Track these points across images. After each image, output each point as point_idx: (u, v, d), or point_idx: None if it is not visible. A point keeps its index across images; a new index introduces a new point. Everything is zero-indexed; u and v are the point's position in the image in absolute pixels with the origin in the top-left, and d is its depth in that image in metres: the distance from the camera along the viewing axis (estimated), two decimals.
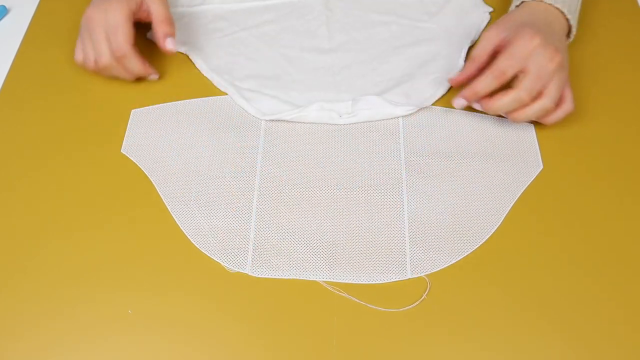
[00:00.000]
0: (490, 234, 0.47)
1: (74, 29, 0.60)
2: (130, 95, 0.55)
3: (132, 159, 0.51)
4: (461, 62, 0.57)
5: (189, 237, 0.47)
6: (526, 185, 0.49)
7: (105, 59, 0.52)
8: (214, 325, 0.43)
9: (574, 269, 0.45)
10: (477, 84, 0.50)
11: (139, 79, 0.56)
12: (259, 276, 0.45)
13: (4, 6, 0.63)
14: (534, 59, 0.47)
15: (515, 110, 0.49)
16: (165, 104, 0.55)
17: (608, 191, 0.49)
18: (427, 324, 0.43)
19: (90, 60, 0.52)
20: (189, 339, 0.42)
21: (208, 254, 0.46)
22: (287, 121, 0.53)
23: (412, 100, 0.54)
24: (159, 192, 0.49)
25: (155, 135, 0.53)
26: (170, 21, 0.54)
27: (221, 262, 0.46)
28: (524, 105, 0.49)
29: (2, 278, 0.45)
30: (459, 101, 0.52)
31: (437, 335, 0.42)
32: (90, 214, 0.48)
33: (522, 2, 0.54)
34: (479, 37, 0.53)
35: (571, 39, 0.54)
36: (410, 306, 0.44)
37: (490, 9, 0.61)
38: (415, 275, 0.45)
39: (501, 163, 0.51)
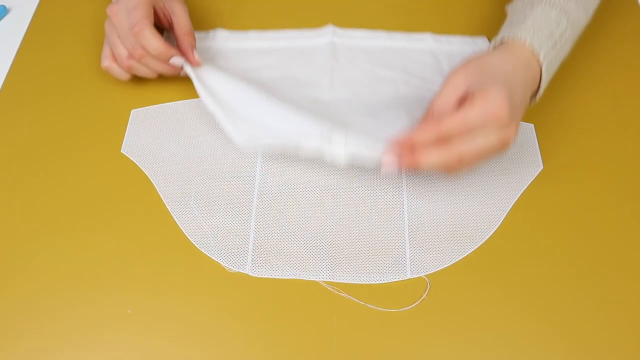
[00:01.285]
0: (490, 234, 0.47)
1: (74, 29, 0.61)
2: (130, 95, 0.55)
3: (132, 159, 0.51)
4: None
5: (188, 237, 0.47)
6: (526, 186, 0.49)
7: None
8: (214, 325, 0.43)
9: (574, 269, 0.45)
10: (416, 135, 0.42)
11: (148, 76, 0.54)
12: (259, 276, 0.45)
13: (4, 6, 0.63)
14: (487, 132, 0.41)
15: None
16: (165, 104, 0.55)
17: (608, 191, 0.49)
18: (427, 324, 0.43)
19: (122, 56, 0.51)
20: (189, 339, 0.42)
21: (208, 254, 0.46)
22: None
23: None
24: (159, 192, 0.49)
25: (155, 135, 0.53)
26: (193, 33, 0.53)
27: (221, 262, 0.46)
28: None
29: (2, 278, 0.45)
30: (389, 157, 0.43)
31: (437, 335, 0.42)
32: (90, 214, 0.48)
33: (502, 42, 0.47)
34: (445, 80, 0.44)
35: (536, 101, 0.48)
36: (410, 306, 0.44)
37: None
38: (415, 276, 0.45)
39: (501, 163, 0.51)
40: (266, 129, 0.49)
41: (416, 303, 0.44)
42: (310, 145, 0.46)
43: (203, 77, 0.52)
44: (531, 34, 0.46)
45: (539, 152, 0.51)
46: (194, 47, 0.53)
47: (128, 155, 0.51)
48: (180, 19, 0.53)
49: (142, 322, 0.43)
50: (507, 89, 0.42)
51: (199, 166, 0.51)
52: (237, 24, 0.61)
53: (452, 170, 0.43)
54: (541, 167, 0.50)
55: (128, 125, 0.53)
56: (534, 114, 0.53)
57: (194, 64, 0.53)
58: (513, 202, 0.48)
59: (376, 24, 0.60)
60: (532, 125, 0.53)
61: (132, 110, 0.54)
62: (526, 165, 0.50)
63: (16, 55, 0.59)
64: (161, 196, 0.49)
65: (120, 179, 0.50)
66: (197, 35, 0.58)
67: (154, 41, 0.49)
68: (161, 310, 0.43)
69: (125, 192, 0.49)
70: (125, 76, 0.53)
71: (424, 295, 0.44)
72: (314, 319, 0.43)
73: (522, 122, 0.52)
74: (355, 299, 0.44)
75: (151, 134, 0.53)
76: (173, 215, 0.48)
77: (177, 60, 0.51)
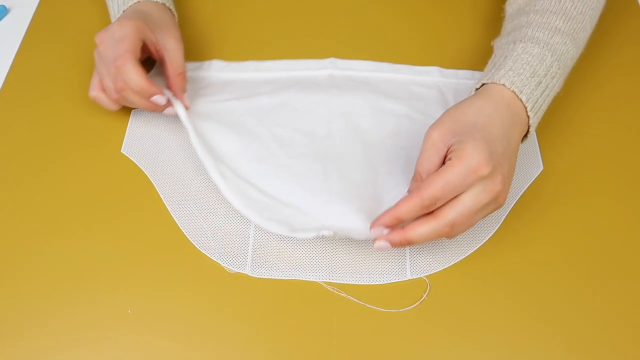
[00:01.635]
0: (490, 234, 0.47)
1: (74, 29, 0.61)
2: None
3: (132, 159, 0.51)
4: None
5: (188, 237, 0.47)
6: (526, 186, 0.49)
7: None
8: (214, 326, 0.43)
9: (574, 270, 0.45)
10: (400, 209, 0.41)
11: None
12: (259, 276, 0.45)
13: (4, 6, 0.63)
14: (472, 190, 0.40)
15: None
16: None
17: (608, 192, 0.49)
18: (427, 324, 0.43)
19: (111, 89, 0.49)
20: (189, 339, 0.42)
21: (207, 254, 0.46)
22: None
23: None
24: (159, 192, 0.49)
25: (155, 135, 0.53)
26: (185, 74, 0.51)
27: (221, 263, 0.46)
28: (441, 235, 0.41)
29: (2, 278, 0.45)
30: (379, 239, 0.42)
31: (437, 336, 0.42)
32: (90, 214, 0.48)
33: (483, 84, 0.45)
34: (424, 138, 0.43)
35: (527, 140, 0.47)
36: (410, 307, 0.44)
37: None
38: (415, 277, 0.45)
39: None
40: (253, 187, 0.48)
41: (416, 304, 0.44)
42: (304, 236, 0.45)
43: (193, 121, 0.50)
44: (511, 77, 0.44)
45: (539, 152, 0.51)
46: (184, 90, 0.51)
47: (128, 155, 0.51)
48: (174, 59, 0.50)
49: (142, 322, 0.43)
50: (484, 141, 0.40)
51: (199, 166, 0.51)
52: (235, 57, 0.58)
53: (449, 237, 0.41)
54: (541, 168, 0.50)
55: (128, 125, 0.53)
56: None
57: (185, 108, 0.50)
58: (513, 203, 0.48)
59: (381, 57, 0.58)
60: None
61: (132, 111, 0.54)
62: (526, 166, 0.50)
63: (16, 55, 0.59)
64: (161, 196, 0.49)
65: (120, 179, 0.50)
66: (192, 64, 0.56)
67: (135, 77, 0.47)
68: (161, 310, 0.43)
69: (125, 192, 0.49)
70: (114, 107, 0.51)
71: (424, 296, 0.44)
72: (314, 319, 0.43)
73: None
74: (355, 299, 0.44)
75: (151, 134, 0.53)
76: (173, 215, 0.48)
77: (159, 99, 0.49)
